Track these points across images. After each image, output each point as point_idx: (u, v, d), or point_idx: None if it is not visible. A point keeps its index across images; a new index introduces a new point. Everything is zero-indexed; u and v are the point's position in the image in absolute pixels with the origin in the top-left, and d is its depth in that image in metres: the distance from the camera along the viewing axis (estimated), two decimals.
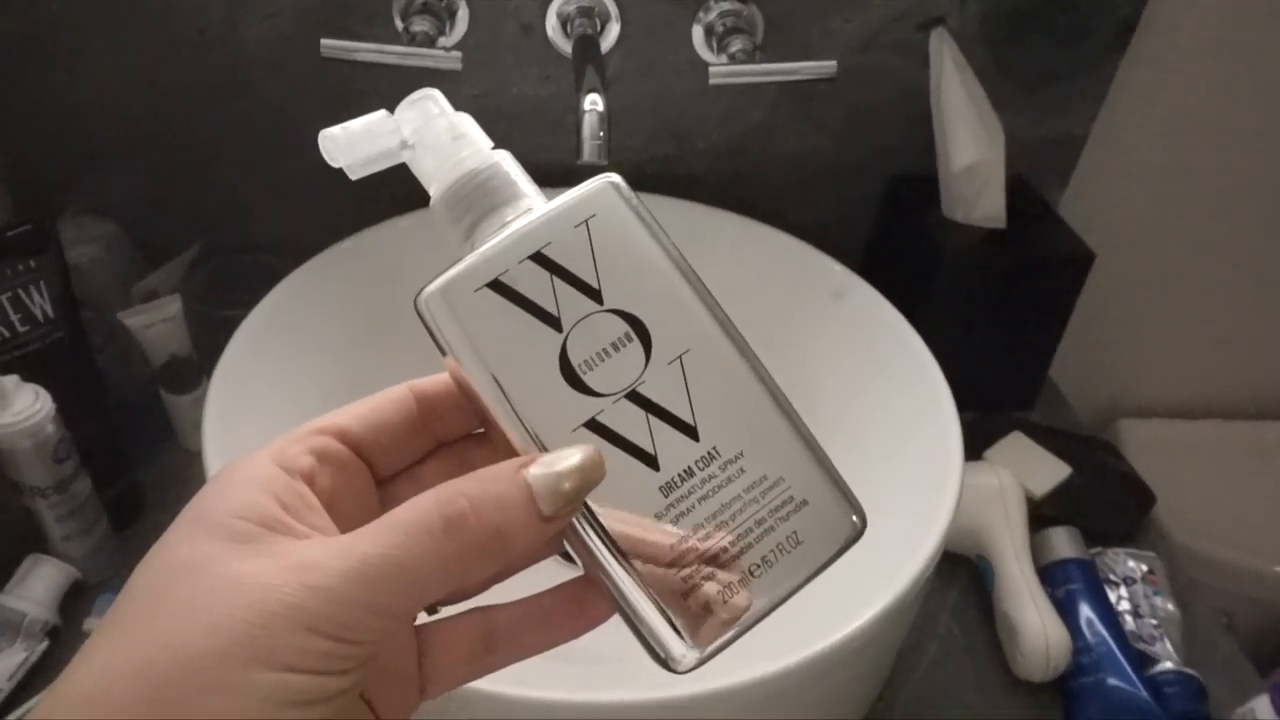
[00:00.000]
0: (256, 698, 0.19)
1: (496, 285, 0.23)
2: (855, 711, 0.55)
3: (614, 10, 0.67)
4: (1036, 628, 0.57)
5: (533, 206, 0.24)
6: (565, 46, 0.67)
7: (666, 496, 0.23)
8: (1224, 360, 0.96)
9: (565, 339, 0.23)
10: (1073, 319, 0.75)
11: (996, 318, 0.74)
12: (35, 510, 0.55)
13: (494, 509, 0.21)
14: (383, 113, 0.25)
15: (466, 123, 0.25)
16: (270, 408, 0.53)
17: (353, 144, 0.25)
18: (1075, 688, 0.57)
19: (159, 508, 0.64)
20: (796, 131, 0.75)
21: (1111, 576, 0.63)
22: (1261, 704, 0.48)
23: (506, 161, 0.25)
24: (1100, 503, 0.70)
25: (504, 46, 0.68)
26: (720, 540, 0.23)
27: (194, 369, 0.66)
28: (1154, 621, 0.60)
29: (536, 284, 0.23)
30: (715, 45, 0.67)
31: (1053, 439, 0.73)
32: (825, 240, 0.66)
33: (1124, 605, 0.61)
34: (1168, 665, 0.57)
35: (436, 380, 0.25)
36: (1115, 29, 0.72)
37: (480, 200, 0.24)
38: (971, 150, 0.69)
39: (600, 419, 0.23)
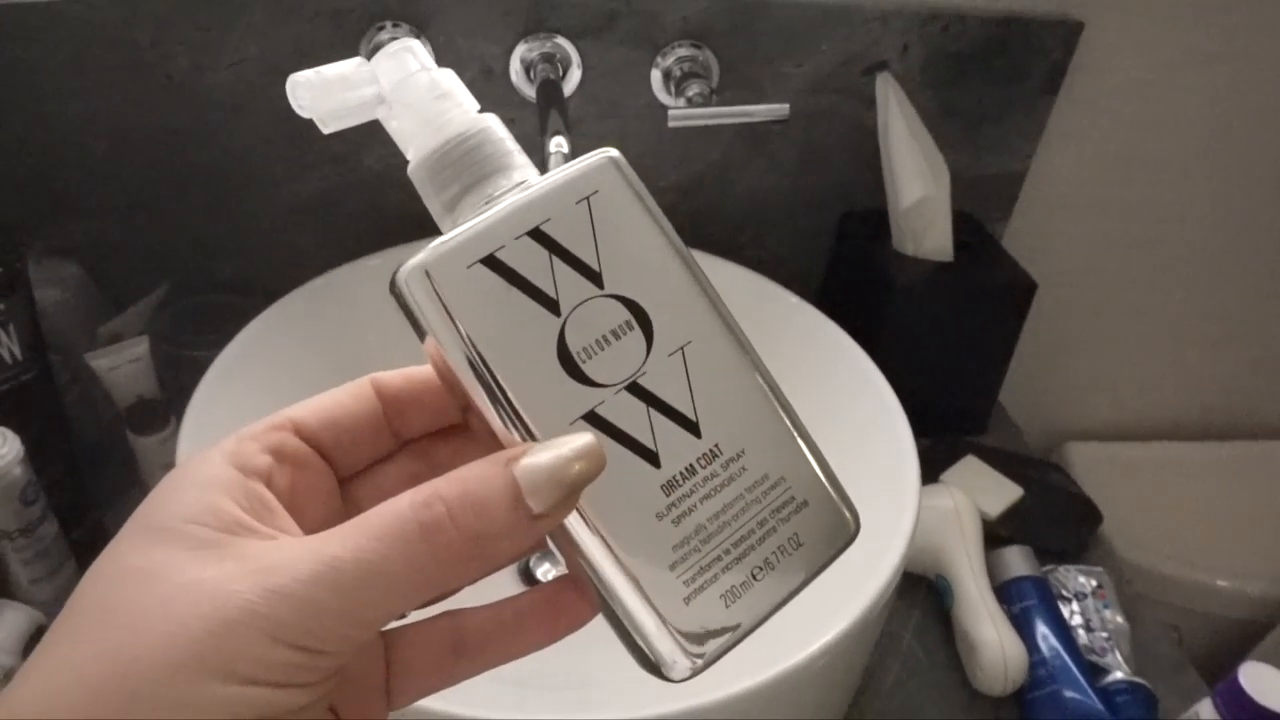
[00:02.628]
0: (211, 714, 0.17)
1: (491, 262, 0.21)
2: None
3: (575, 56, 0.69)
4: (994, 643, 0.59)
5: (526, 178, 0.22)
6: (528, 91, 0.69)
7: (668, 495, 0.21)
8: (1163, 383, 1.00)
9: (564, 324, 0.21)
10: (1019, 346, 0.79)
11: (947, 346, 0.77)
12: (1, 554, 0.55)
13: (474, 514, 0.19)
14: (359, 59, 0.23)
15: (450, 79, 0.23)
16: None
17: (326, 91, 0.22)
18: (1033, 700, 0.59)
19: None
20: (752, 170, 0.78)
21: (1064, 592, 0.66)
22: (1205, 707, 0.51)
23: (496, 126, 0.23)
24: (1051, 522, 0.72)
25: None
26: (722, 543, 0.21)
27: (161, 410, 0.66)
28: (1105, 634, 0.63)
29: (534, 263, 0.21)
30: (673, 89, 0.70)
31: (1004, 461, 0.76)
32: (781, 273, 0.68)
33: (1076, 620, 0.64)
34: (1119, 675, 0.60)
35: (399, 375, 0.23)
36: (1048, 72, 0.77)
37: (469, 168, 0.22)
38: (918, 187, 0.72)
39: (600, 411, 0.21)
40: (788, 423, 0.23)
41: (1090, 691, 0.58)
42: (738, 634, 0.21)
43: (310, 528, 0.21)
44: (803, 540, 0.22)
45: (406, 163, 0.23)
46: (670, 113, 0.63)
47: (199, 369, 0.55)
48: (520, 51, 0.68)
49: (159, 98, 0.69)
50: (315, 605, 0.18)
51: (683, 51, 0.70)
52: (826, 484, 0.23)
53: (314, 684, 0.19)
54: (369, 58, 0.23)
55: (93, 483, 0.63)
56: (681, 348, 0.22)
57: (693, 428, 0.22)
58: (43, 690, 0.18)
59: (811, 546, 0.22)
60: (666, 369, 0.22)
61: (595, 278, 0.22)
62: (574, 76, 0.70)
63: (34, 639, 0.56)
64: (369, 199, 0.75)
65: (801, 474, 0.23)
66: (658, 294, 0.22)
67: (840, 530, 0.23)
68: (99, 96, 0.68)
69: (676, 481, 0.21)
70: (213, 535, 0.19)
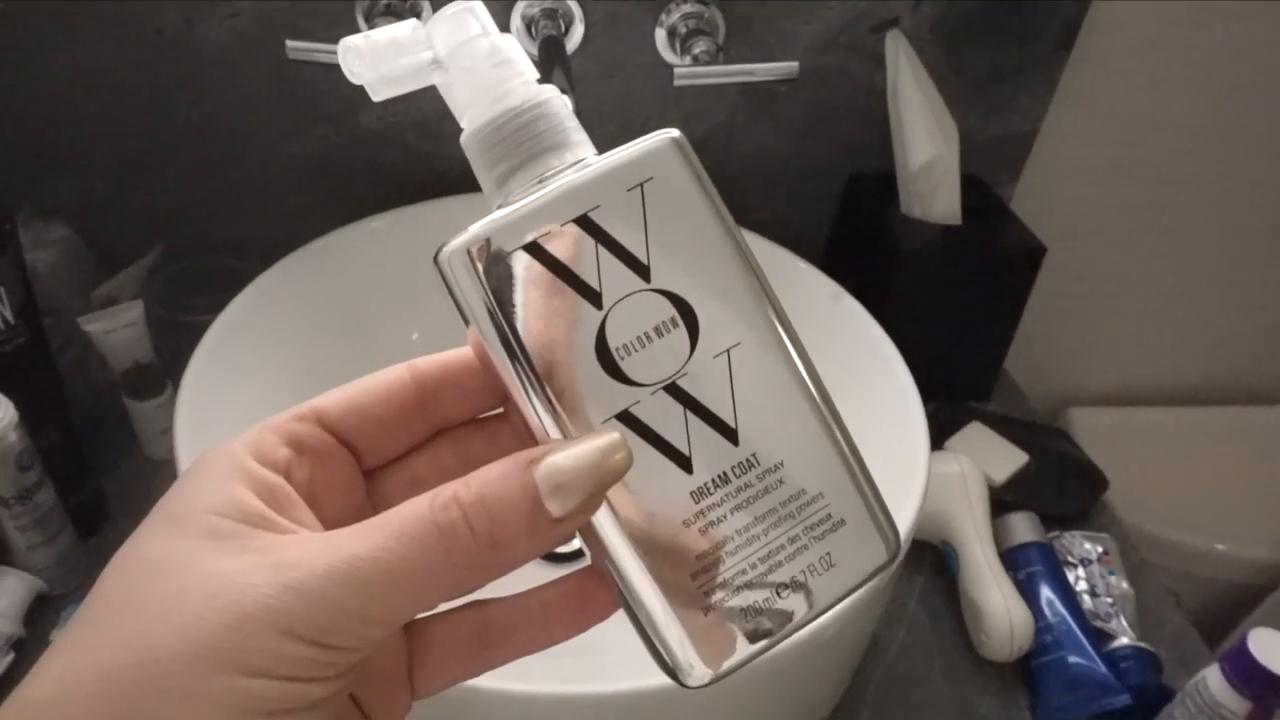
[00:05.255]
0: (225, 705, 0.17)
1: (534, 249, 0.20)
2: (829, 696, 0.56)
3: (578, 12, 0.67)
4: (1000, 609, 0.59)
5: (582, 158, 0.21)
6: (530, 48, 0.68)
7: (697, 503, 0.21)
8: (1169, 349, 1.00)
9: (605, 318, 0.20)
10: (1026, 311, 0.78)
11: (954, 311, 0.76)
12: None
13: (491, 519, 0.19)
14: (413, 22, 0.22)
15: (512, 47, 0.22)
16: (242, 413, 0.52)
17: (378, 56, 0.21)
18: (1038, 666, 0.59)
19: (123, 516, 0.63)
20: (758, 130, 0.76)
21: (1069, 558, 0.65)
22: (1212, 673, 0.51)
23: (555, 100, 0.22)
24: (1056, 488, 0.72)
25: None
26: (749, 556, 0.21)
27: (157, 375, 0.65)
28: (1110, 600, 0.63)
29: (579, 252, 0.20)
30: (678, 47, 0.68)
31: (1010, 428, 0.75)
32: (787, 236, 0.67)
33: (1081, 585, 0.64)
34: (1124, 641, 0.60)
35: (439, 359, 0.23)
36: (1060, 30, 0.75)
37: (522, 144, 0.21)
38: (927, 148, 0.71)
39: (634, 411, 0.20)
40: (833, 437, 0.22)
41: (1095, 657, 0.58)
42: (757, 649, 0.21)
43: (330, 520, 0.21)
44: (835, 560, 0.21)
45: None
46: (676, 71, 0.61)
47: (195, 333, 0.54)
48: (521, 7, 0.66)
49: (149, 53, 0.67)
50: (331, 602, 0.18)
51: (688, 8, 0.68)
52: (867, 503, 0.22)
53: (330, 678, 0.19)
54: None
55: (89, 448, 0.62)
56: (728, 350, 0.21)
57: (731, 435, 0.21)
58: (62, 677, 0.18)
59: (843, 567, 0.21)
60: (709, 371, 0.21)
61: (643, 270, 0.21)
62: (577, 33, 0.68)
63: (34, 606, 0.56)
64: (368, 159, 0.73)
65: (842, 491, 0.22)
66: (708, 291, 0.21)
67: (875, 553, 0.22)
68: (87, 52, 0.67)
69: (707, 489, 0.21)
70: (233, 526, 0.19)
